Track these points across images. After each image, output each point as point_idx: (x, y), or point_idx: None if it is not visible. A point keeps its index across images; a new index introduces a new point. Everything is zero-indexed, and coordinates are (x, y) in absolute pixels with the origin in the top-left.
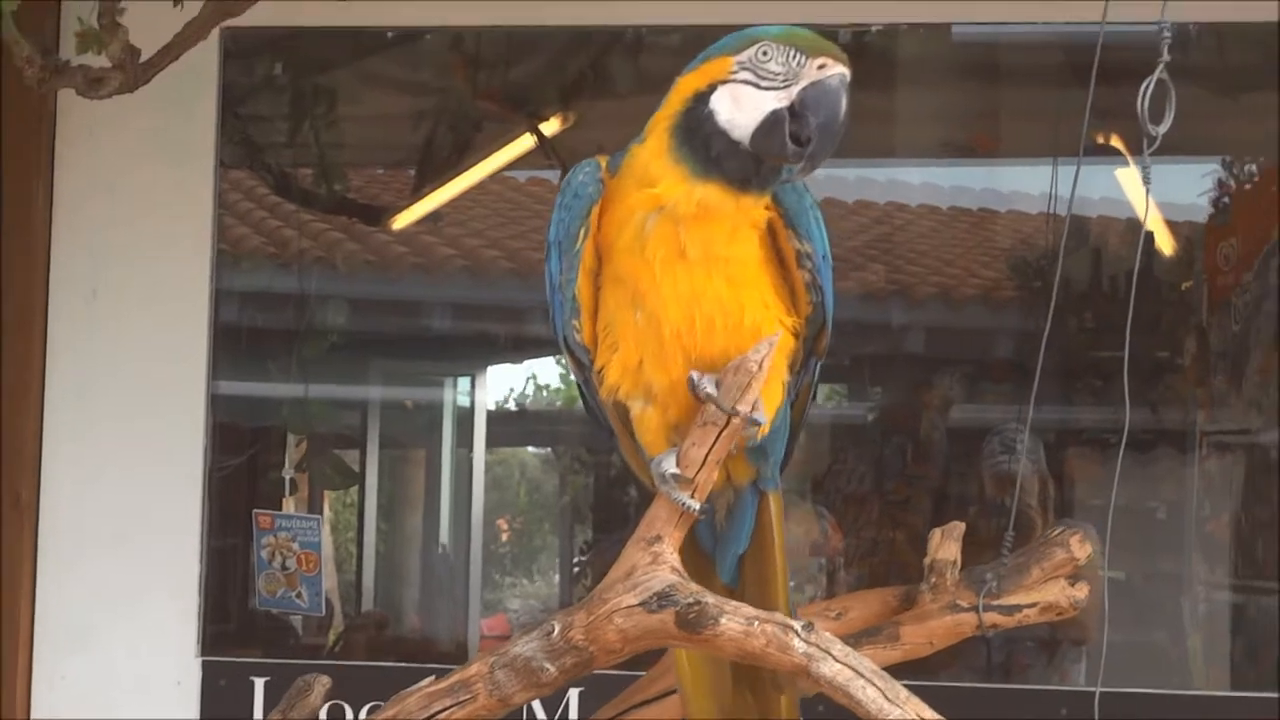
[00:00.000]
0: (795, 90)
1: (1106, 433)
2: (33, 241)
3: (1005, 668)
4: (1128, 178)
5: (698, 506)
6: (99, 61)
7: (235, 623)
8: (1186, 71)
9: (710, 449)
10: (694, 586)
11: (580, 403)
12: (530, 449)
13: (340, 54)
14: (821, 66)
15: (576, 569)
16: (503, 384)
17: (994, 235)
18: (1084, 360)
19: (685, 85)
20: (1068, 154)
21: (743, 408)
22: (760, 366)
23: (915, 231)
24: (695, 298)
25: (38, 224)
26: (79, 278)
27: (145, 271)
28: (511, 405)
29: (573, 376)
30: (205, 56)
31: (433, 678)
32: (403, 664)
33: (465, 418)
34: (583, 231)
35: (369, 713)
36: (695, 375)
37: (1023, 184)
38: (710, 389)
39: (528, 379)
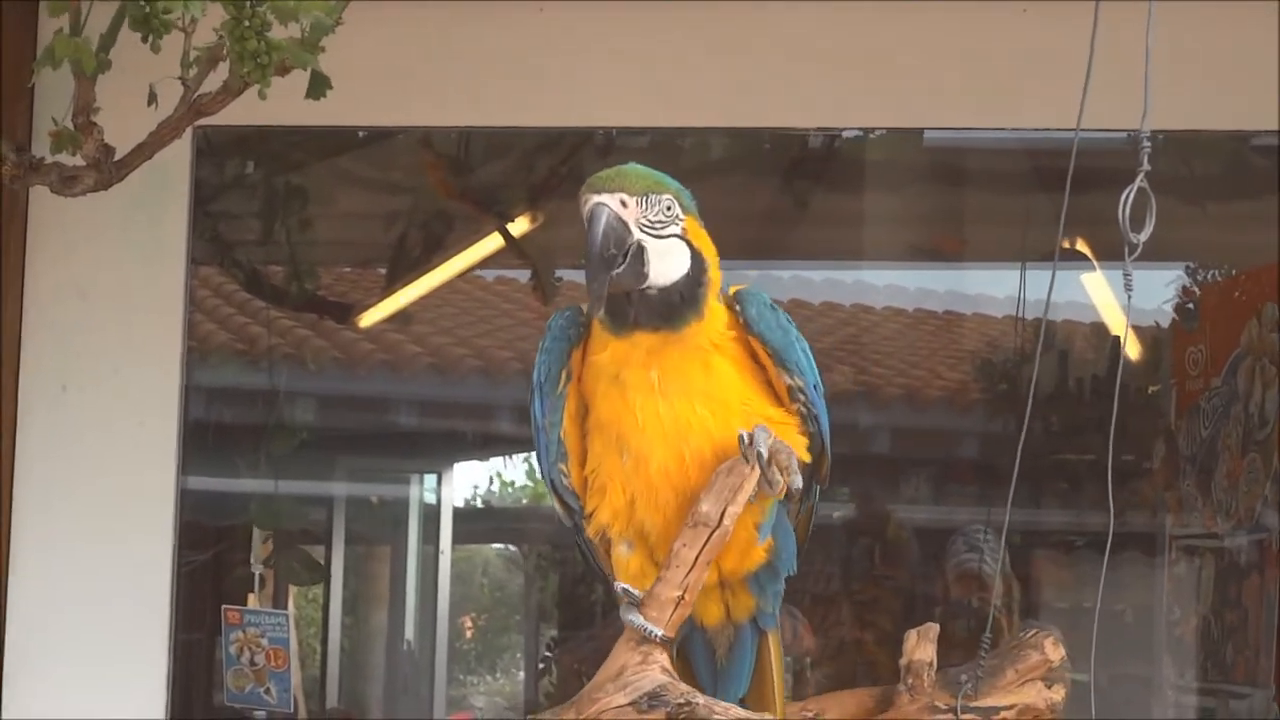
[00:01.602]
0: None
1: (1072, 535)
2: (3, 336)
3: None
4: (1093, 283)
5: (659, 633)
6: (73, 159)
7: (200, 718)
8: (1153, 179)
9: (700, 550)
10: (684, 687)
11: (545, 499)
12: (495, 546)
13: (312, 152)
14: (585, 202)
15: (542, 665)
16: (469, 481)
17: (960, 338)
18: (1050, 463)
19: None
20: (1034, 258)
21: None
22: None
23: (881, 333)
24: (681, 433)
25: (9, 318)
26: (49, 372)
27: (115, 367)
28: (478, 502)
29: (561, 517)
30: (178, 153)
31: None
32: None
33: (431, 514)
34: (564, 375)
35: None
36: (746, 435)
37: (988, 288)
38: (763, 449)
39: (493, 476)
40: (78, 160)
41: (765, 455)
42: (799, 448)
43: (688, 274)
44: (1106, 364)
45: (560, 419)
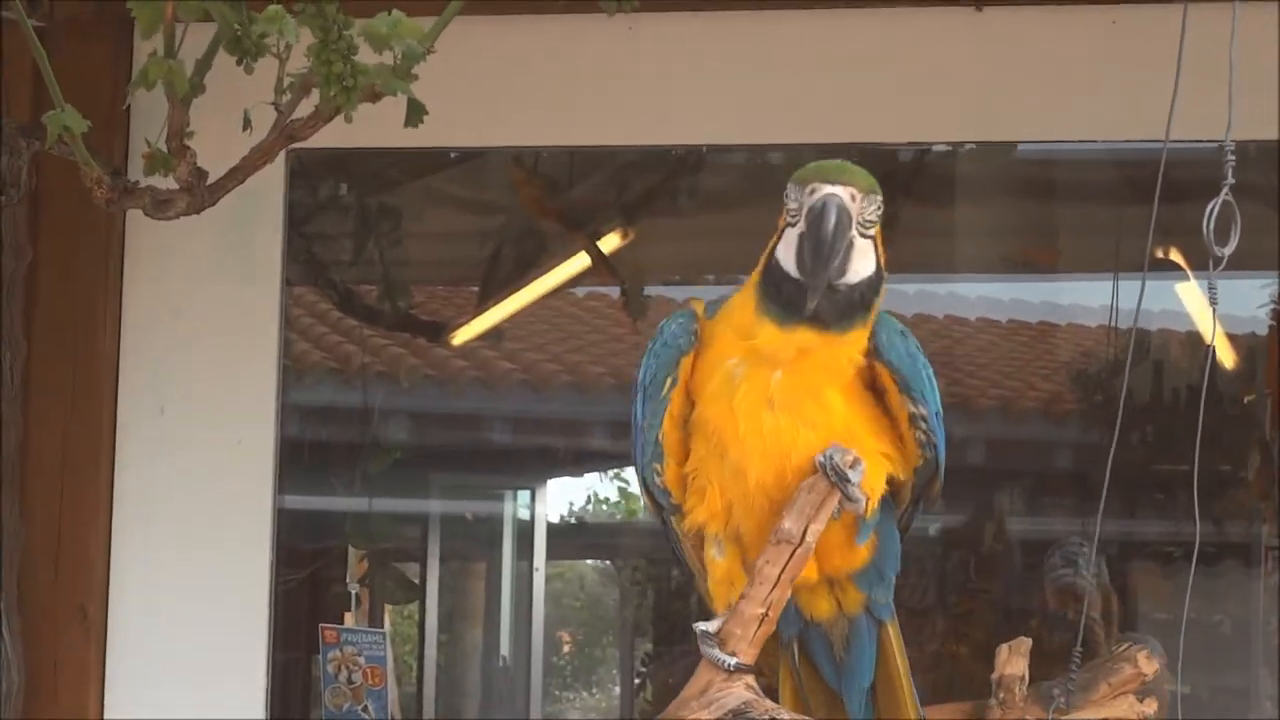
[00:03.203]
0: (801, 221)
1: (1169, 546)
2: (101, 359)
3: None
4: (1187, 292)
5: (733, 663)
6: (166, 183)
7: None
8: (1245, 188)
9: (784, 568)
10: (768, 704)
11: (639, 514)
12: (590, 561)
13: (404, 172)
14: (812, 192)
15: (638, 681)
16: (562, 497)
17: (1053, 348)
18: (1146, 473)
19: (771, 241)
20: (1127, 269)
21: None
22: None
23: (975, 345)
24: (783, 451)
25: (106, 341)
26: (147, 394)
27: (212, 388)
28: (571, 518)
29: (649, 511)
30: (271, 176)
31: None
32: None
33: (525, 530)
34: (669, 381)
35: None
36: (821, 457)
37: (1081, 298)
38: (843, 467)
39: (587, 492)
40: (171, 184)
41: (844, 472)
42: (878, 475)
43: (871, 277)
44: (1201, 374)
45: (660, 422)
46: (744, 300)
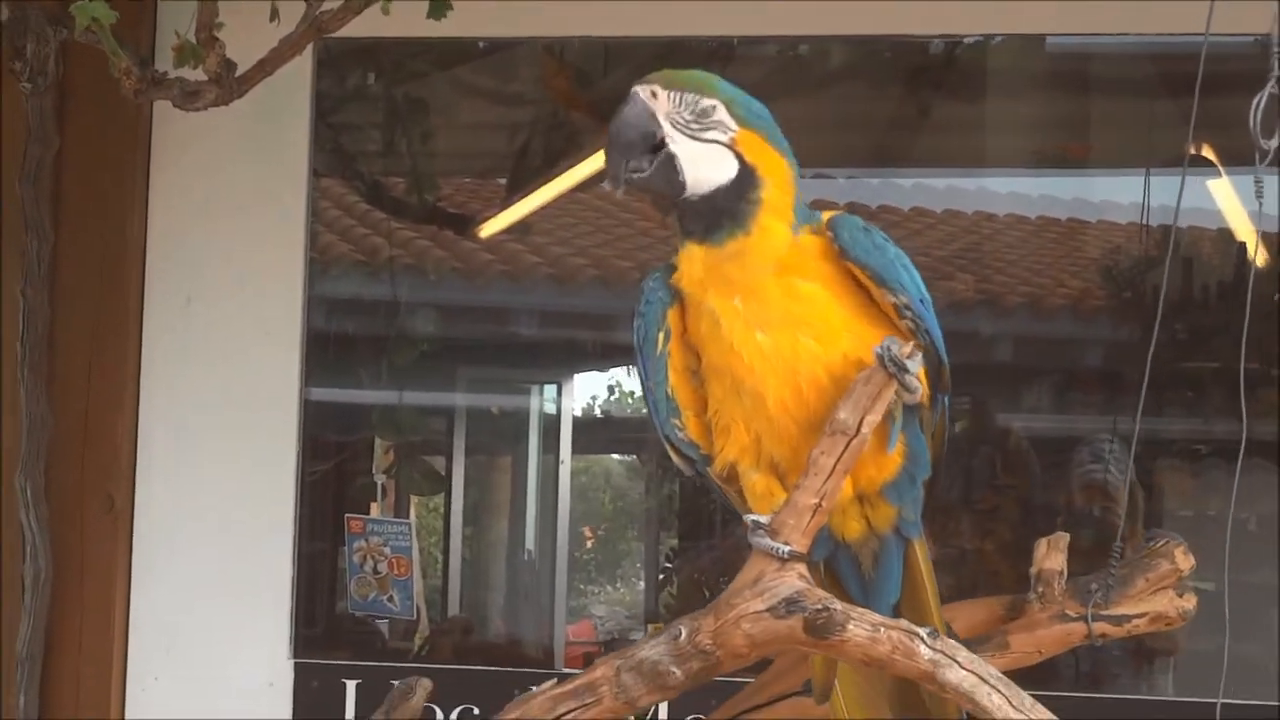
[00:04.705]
0: None
1: (1197, 443)
2: (129, 249)
3: (1093, 676)
4: (1219, 188)
5: (787, 550)
6: (195, 74)
7: (322, 626)
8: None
9: (839, 458)
10: (821, 593)
11: None
12: (615, 456)
13: (432, 64)
14: None
15: (662, 576)
16: (588, 391)
17: (1083, 245)
18: (1175, 371)
19: None
20: (1159, 164)
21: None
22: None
23: (1004, 241)
24: (790, 366)
25: (134, 232)
26: (174, 285)
27: (239, 278)
28: (597, 412)
29: (683, 470)
30: (299, 67)
31: (555, 680)
32: (492, 667)
33: (551, 425)
34: (662, 336)
35: (459, 715)
36: (879, 349)
37: (1113, 194)
38: (901, 358)
39: (613, 386)
40: (200, 75)
41: (903, 362)
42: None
43: (730, 185)
44: (1232, 271)
45: (665, 378)
46: (684, 239)
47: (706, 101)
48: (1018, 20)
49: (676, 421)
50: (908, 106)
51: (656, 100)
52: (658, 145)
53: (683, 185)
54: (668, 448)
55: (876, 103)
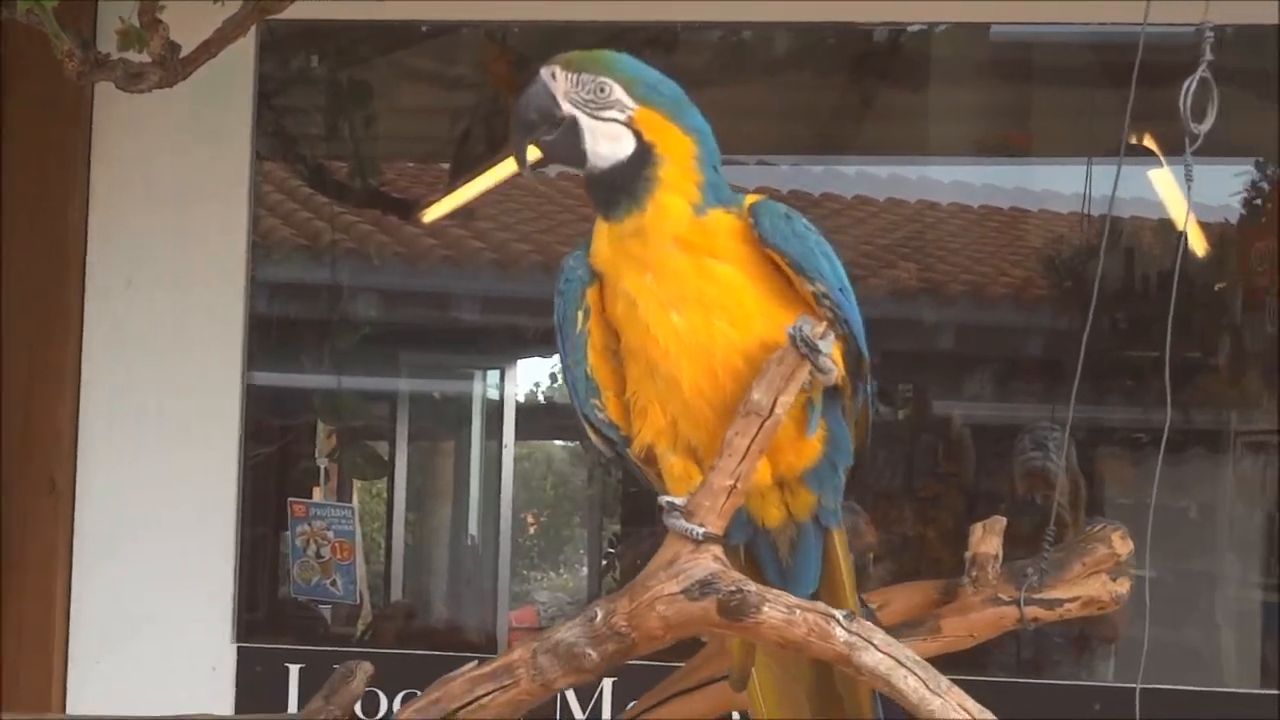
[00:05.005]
0: None
1: (1138, 432)
2: (69, 231)
3: (1034, 663)
4: (1160, 178)
5: (701, 532)
6: (139, 56)
7: (265, 610)
8: (1221, 73)
9: (753, 439)
10: (736, 575)
11: None
12: (558, 442)
13: (375, 47)
14: None
15: (605, 561)
16: (531, 377)
17: (1025, 234)
18: (1116, 360)
19: None
20: (1101, 154)
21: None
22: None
23: (946, 230)
24: (705, 349)
25: (74, 214)
26: (114, 267)
27: (180, 261)
28: (540, 398)
29: (603, 452)
30: (242, 49)
31: (475, 663)
32: (435, 652)
33: (494, 410)
34: (580, 314)
35: (403, 700)
36: (791, 329)
37: (1054, 183)
38: (814, 338)
39: (556, 372)
40: (143, 57)
41: (814, 343)
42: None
43: (626, 162)
44: (1172, 260)
45: (584, 357)
46: (599, 219)
47: (604, 80)
48: (961, 9)
49: (596, 402)
50: (851, 95)
51: (555, 81)
52: (558, 124)
53: (584, 155)
54: (587, 428)
55: (820, 91)
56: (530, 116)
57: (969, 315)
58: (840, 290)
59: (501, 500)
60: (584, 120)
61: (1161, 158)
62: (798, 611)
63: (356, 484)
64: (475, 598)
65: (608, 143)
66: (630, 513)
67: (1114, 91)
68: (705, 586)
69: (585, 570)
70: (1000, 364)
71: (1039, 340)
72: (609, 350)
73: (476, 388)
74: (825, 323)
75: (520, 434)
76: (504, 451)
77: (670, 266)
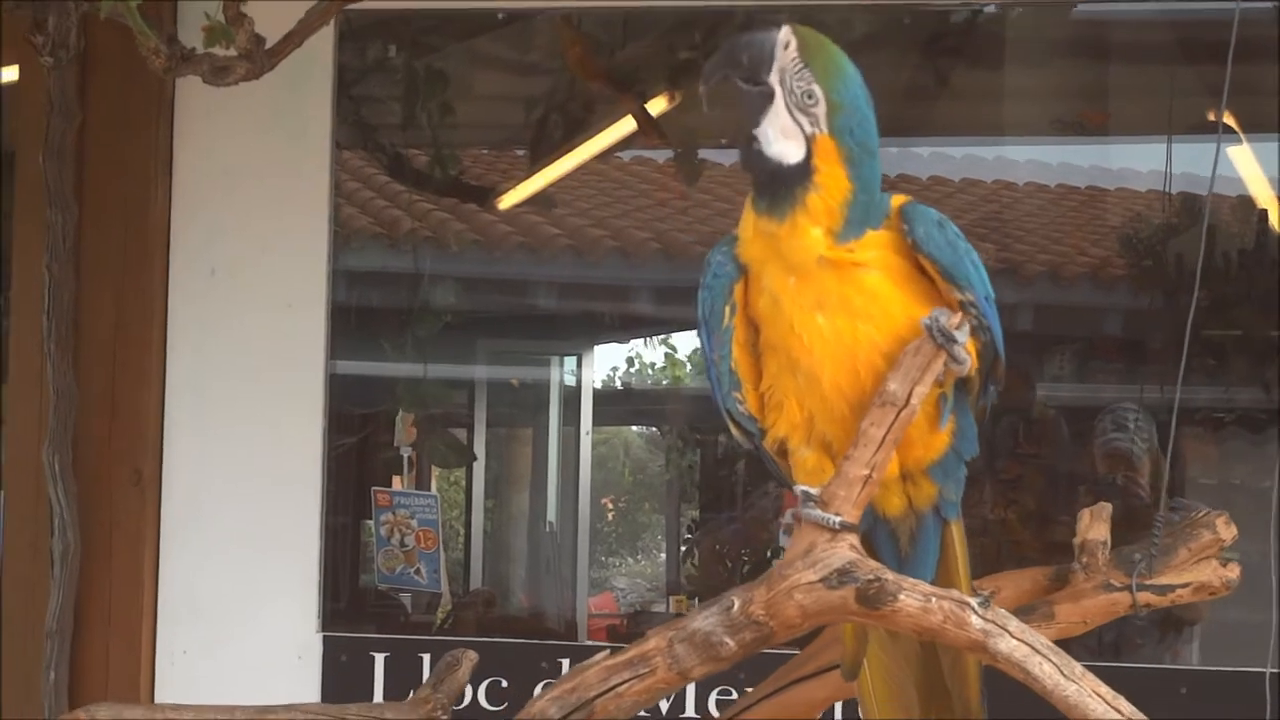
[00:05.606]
0: None
1: (1219, 412)
2: (152, 222)
3: (1116, 646)
4: (1240, 155)
5: (838, 521)
6: (224, 50)
7: (347, 600)
8: None
9: (889, 429)
10: (873, 563)
11: (684, 380)
12: (635, 428)
13: (452, 35)
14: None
15: (684, 547)
16: (608, 363)
17: (1103, 213)
18: (1196, 338)
19: None
20: (1180, 131)
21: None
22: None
23: (1023, 210)
24: (849, 351)
25: (158, 205)
26: (198, 257)
27: (263, 250)
28: (617, 384)
29: (741, 443)
30: (321, 39)
31: (607, 652)
32: (518, 640)
33: (571, 397)
34: (728, 309)
35: (487, 687)
36: (927, 320)
37: (1130, 161)
38: (950, 329)
39: (633, 358)
40: (229, 51)
41: (950, 333)
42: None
43: (789, 170)
44: (1253, 238)
45: (729, 351)
46: (749, 202)
47: (816, 89)
48: None
49: (738, 395)
50: (926, 75)
51: (783, 50)
52: (756, 83)
53: (754, 126)
54: (728, 421)
55: (895, 71)
56: (741, 58)
57: (1047, 295)
58: (986, 299)
59: (580, 486)
60: (778, 102)
61: (1242, 134)
62: (934, 599)
63: (435, 472)
64: (554, 584)
65: (783, 139)
66: (708, 499)
67: (1190, 69)
68: (844, 575)
69: (664, 556)
70: (1079, 344)
71: (1118, 320)
72: (749, 344)
73: (554, 374)
74: (960, 314)
75: (598, 420)
76: (582, 438)
77: (812, 275)
